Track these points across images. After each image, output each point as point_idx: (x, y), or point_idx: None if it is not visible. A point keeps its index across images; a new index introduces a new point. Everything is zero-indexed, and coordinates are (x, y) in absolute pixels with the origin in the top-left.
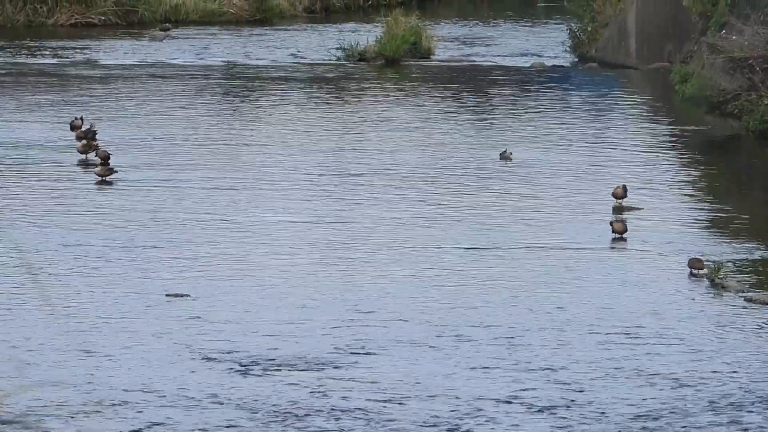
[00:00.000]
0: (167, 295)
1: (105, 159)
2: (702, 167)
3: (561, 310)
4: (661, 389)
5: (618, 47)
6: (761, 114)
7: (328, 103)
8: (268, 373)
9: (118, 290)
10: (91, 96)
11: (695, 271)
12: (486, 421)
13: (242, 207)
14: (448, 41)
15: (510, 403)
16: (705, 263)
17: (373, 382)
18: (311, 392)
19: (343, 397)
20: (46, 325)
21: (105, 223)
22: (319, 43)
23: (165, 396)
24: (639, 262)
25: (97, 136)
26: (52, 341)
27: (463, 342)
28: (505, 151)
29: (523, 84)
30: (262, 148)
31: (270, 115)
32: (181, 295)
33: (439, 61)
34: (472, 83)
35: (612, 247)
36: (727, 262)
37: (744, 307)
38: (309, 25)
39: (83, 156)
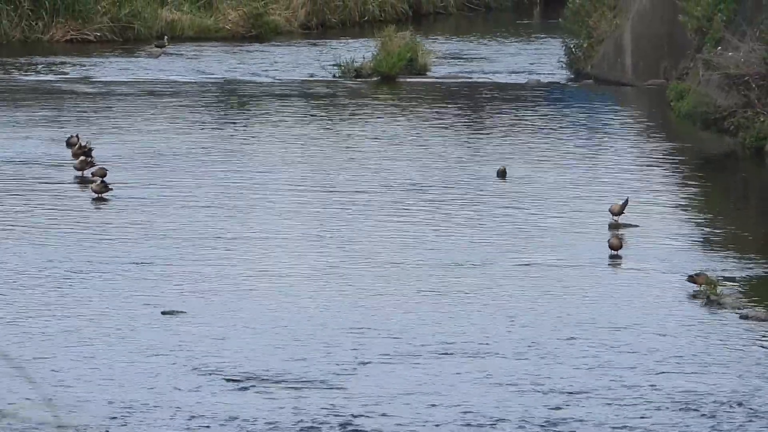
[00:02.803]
0: (163, 312)
1: (101, 176)
2: (698, 184)
3: (557, 326)
4: (656, 404)
5: (614, 64)
6: (757, 131)
7: (323, 120)
8: (264, 389)
9: (113, 306)
10: (87, 112)
11: (698, 287)
12: None
13: (238, 223)
14: (444, 58)
15: (503, 418)
16: (709, 279)
17: (372, 396)
18: (307, 409)
19: (344, 413)
20: (40, 341)
21: (101, 239)
22: (315, 60)
23: (158, 413)
24: (634, 279)
25: (93, 153)
26: (46, 358)
27: (456, 358)
28: (503, 169)
29: (518, 101)
30: (258, 164)
31: (266, 131)
32: (177, 312)
33: (434, 77)
34: (467, 100)
35: (608, 264)
36: (723, 278)
37: (739, 324)
38: (305, 41)
39: (79, 173)
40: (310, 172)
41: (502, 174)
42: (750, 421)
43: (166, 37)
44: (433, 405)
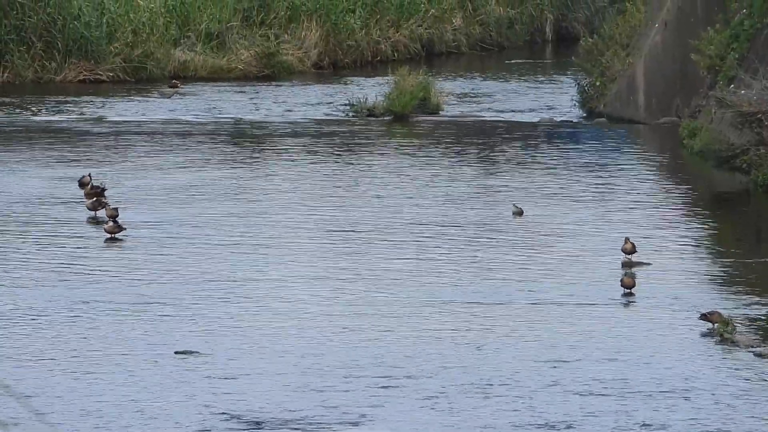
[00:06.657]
0: (176, 352)
1: (114, 216)
2: (710, 222)
3: (569, 365)
4: None
5: (626, 102)
6: None
7: (336, 159)
8: (278, 431)
9: (126, 347)
10: (99, 152)
11: (711, 325)
12: None
13: (251, 263)
14: (457, 97)
15: None
16: (722, 317)
17: None
18: None
19: None
20: (55, 381)
21: (114, 280)
22: (328, 99)
23: None
24: (647, 317)
25: (105, 193)
26: (59, 398)
27: (469, 397)
28: (518, 209)
29: (531, 139)
30: (271, 203)
31: (279, 170)
32: (190, 352)
33: (447, 116)
34: (480, 139)
35: (621, 302)
36: (737, 317)
37: (753, 362)
38: (317, 80)
39: (92, 213)
40: (324, 211)
41: (518, 213)
42: None
43: (179, 77)
44: None
